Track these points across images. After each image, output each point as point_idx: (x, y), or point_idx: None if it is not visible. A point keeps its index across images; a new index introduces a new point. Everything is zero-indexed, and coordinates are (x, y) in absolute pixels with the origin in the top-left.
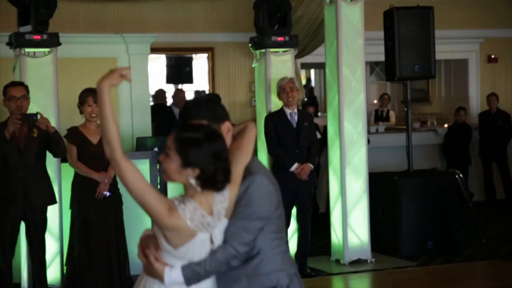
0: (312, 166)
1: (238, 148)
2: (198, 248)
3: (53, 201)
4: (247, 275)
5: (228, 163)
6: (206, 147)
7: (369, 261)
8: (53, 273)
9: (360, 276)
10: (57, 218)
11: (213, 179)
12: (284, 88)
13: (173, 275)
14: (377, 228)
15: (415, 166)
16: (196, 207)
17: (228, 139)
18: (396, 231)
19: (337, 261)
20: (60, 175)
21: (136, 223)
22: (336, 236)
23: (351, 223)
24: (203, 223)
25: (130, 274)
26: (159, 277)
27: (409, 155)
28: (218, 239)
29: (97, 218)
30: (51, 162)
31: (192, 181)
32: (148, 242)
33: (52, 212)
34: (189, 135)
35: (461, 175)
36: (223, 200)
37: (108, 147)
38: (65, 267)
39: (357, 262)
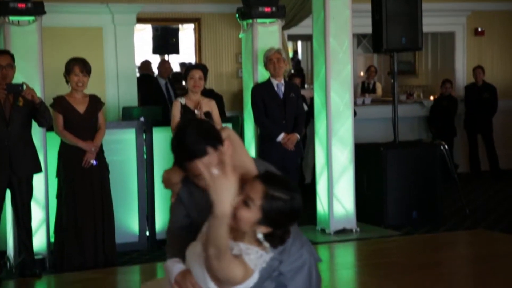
0: (299, 136)
1: (243, 165)
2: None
3: (38, 169)
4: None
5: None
6: (290, 212)
7: (354, 230)
8: (39, 241)
9: (345, 245)
10: (43, 187)
11: (281, 239)
12: (271, 59)
13: None
14: (362, 198)
15: (401, 138)
16: (261, 255)
17: (230, 151)
18: (381, 201)
19: (323, 230)
20: (46, 144)
21: (123, 192)
22: (321, 206)
23: (337, 193)
24: (262, 264)
25: (115, 242)
26: None
27: (395, 127)
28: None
29: (84, 187)
30: (36, 131)
31: (260, 236)
32: (185, 281)
33: (38, 180)
34: (279, 195)
35: (446, 147)
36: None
37: (215, 250)
38: (53, 236)
39: (342, 231)
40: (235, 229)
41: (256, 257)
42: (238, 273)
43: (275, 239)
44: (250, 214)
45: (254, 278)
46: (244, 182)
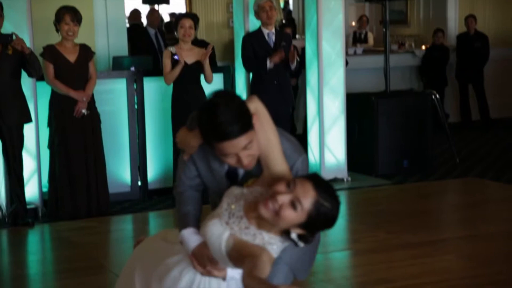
0: (284, 55)
1: (268, 143)
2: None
3: (28, 119)
4: None
5: None
6: (331, 220)
7: (345, 179)
8: (32, 191)
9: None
10: (34, 137)
11: (307, 239)
12: (263, 7)
13: (236, 275)
14: (354, 148)
15: (392, 88)
16: (282, 245)
17: (257, 125)
18: (372, 150)
19: None
20: (36, 94)
21: (114, 142)
22: (313, 155)
23: (328, 143)
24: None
25: (109, 192)
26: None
27: (387, 76)
28: None
29: (76, 136)
30: (26, 81)
31: (294, 236)
32: (203, 255)
33: (29, 130)
34: (327, 204)
35: (437, 96)
36: None
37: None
38: (46, 186)
39: (334, 181)
40: (260, 217)
41: (278, 247)
42: (269, 270)
43: (304, 239)
44: (295, 216)
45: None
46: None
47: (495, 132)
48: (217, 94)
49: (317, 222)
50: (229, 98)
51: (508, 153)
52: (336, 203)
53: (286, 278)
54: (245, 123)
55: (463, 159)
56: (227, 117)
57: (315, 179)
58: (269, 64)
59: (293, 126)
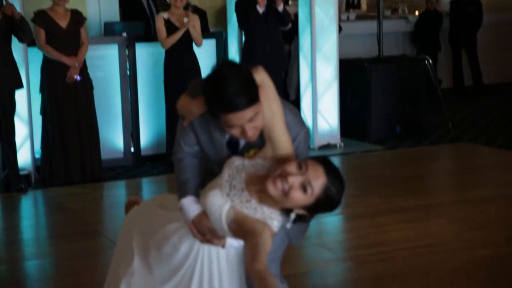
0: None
1: (272, 115)
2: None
3: (19, 85)
4: None
5: None
6: (335, 204)
7: (338, 145)
8: (24, 157)
9: None
10: (25, 103)
11: (305, 219)
12: None
13: (235, 243)
14: (346, 113)
15: (385, 53)
16: (283, 220)
17: (263, 96)
18: (365, 116)
19: None
20: (27, 59)
21: (107, 109)
22: (306, 121)
23: (321, 108)
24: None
25: (101, 158)
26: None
27: (380, 42)
28: None
29: (68, 102)
30: (17, 46)
31: (293, 215)
32: (202, 225)
33: (20, 96)
34: (335, 190)
35: (430, 61)
36: None
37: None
38: (40, 152)
39: (327, 146)
40: (262, 191)
41: (279, 222)
42: (270, 246)
43: (303, 219)
44: (303, 199)
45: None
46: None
47: (487, 98)
48: (224, 64)
49: (322, 206)
50: (237, 70)
51: (500, 118)
52: (342, 189)
53: (282, 242)
54: (252, 96)
55: (456, 125)
56: (234, 89)
57: (326, 163)
58: (259, 8)
59: (285, 92)
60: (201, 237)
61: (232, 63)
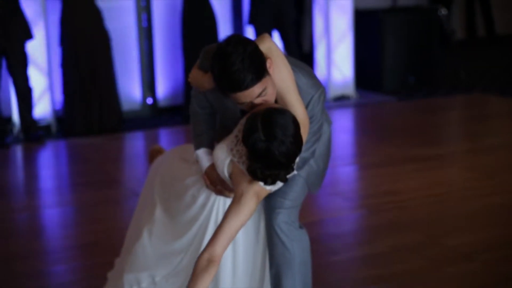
0: None
1: (283, 84)
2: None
3: (29, 36)
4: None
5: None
6: (273, 159)
7: (352, 96)
8: (44, 108)
9: (344, 110)
10: (45, 54)
11: (261, 178)
12: None
13: None
14: (360, 64)
15: (399, 4)
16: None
17: (271, 72)
18: (379, 67)
19: None
20: (46, 10)
21: (124, 61)
22: (320, 72)
23: (336, 59)
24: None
25: (121, 109)
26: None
27: None
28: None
29: (87, 54)
30: None
31: (240, 164)
32: (213, 175)
33: (39, 47)
34: (263, 145)
35: (445, 11)
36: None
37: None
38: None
39: (341, 97)
40: None
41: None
42: (253, 207)
43: (255, 175)
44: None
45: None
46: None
47: (500, 48)
48: (229, 41)
49: (258, 159)
50: (242, 46)
51: None
52: (278, 143)
53: (302, 188)
54: (258, 72)
55: (469, 75)
56: (239, 67)
57: (266, 114)
58: None
59: (299, 44)
60: (213, 188)
61: (237, 38)
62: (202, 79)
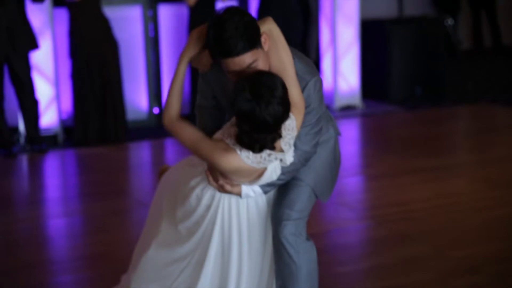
0: None
1: (280, 64)
2: (270, 176)
3: (35, 46)
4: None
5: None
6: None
7: (359, 106)
8: (51, 118)
9: (350, 121)
10: (51, 64)
11: (248, 144)
12: None
13: (250, 193)
14: (367, 74)
15: (406, 14)
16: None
17: (267, 48)
18: (385, 77)
19: (328, 107)
20: (53, 20)
21: (130, 70)
22: (326, 82)
23: (342, 70)
24: (270, 159)
25: (126, 119)
26: (236, 194)
27: (401, 2)
28: (289, 159)
29: (97, 64)
30: (43, 8)
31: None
32: (215, 172)
33: (46, 57)
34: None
35: (449, 22)
36: (291, 131)
37: (164, 112)
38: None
39: (347, 107)
40: None
41: (250, 159)
42: (207, 148)
43: (242, 141)
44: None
45: (268, 171)
46: None
47: (507, 59)
48: (227, 10)
49: (245, 120)
50: (238, 15)
51: None
52: (263, 98)
53: (309, 199)
54: (250, 41)
55: (475, 85)
56: (232, 33)
57: (269, 73)
58: None
59: (305, 54)
60: (215, 183)
61: (236, 8)
62: (201, 55)
